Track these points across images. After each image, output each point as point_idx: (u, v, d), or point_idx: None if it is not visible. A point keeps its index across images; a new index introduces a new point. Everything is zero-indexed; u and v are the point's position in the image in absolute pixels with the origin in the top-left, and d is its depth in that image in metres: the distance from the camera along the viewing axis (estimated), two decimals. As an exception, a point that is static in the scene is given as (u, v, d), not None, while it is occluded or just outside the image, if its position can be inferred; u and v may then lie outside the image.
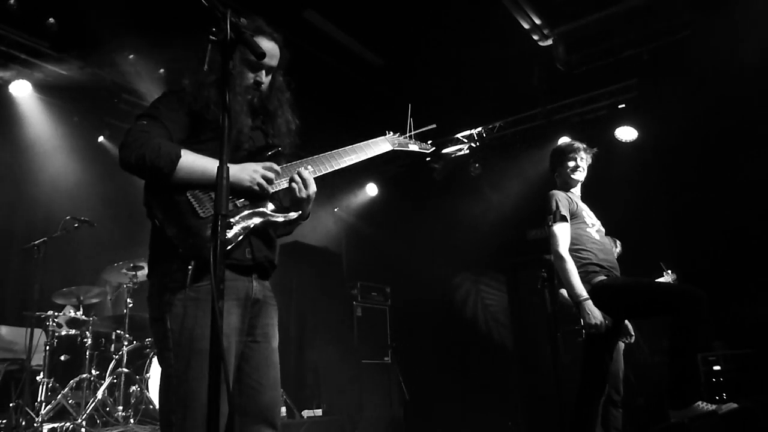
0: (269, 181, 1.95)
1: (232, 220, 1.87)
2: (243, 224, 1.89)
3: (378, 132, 2.37)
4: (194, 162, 1.86)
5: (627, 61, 6.56)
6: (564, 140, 3.84)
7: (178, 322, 1.79)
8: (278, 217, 2.00)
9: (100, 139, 6.49)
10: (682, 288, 3.15)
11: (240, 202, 1.93)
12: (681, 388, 2.99)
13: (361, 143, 2.24)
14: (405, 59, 6.43)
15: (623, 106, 6.98)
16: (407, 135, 2.43)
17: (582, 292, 3.25)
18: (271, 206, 2.00)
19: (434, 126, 2.50)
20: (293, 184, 2.01)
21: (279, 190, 2.02)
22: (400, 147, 2.39)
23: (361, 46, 6.30)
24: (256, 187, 1.93)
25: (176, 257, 1.81)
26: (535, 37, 6.31)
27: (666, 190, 6.49)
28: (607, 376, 3.40)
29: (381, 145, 2.31)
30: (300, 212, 2.04)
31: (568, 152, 3.71)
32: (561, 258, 3.34)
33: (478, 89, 6.80)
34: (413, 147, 2.44)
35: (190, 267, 1.78)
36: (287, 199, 2.09)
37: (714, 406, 2.87)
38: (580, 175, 3.70)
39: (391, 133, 2.40)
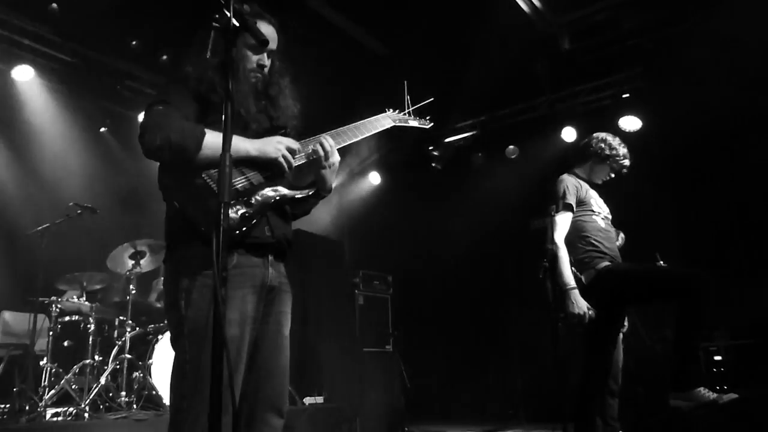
0: (293, 154, 1.99)
1: (250, 198, 1.88)
2: (262, 201, 1.90)
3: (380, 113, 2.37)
4: (218, 139, 1.87)
5: (631, 50, 6.51)
6: (610, 136, 3.79)
7: (193, 309, 1.79)
8: (295, 193, 2.01)
9: (102, 130, 6.49)
10: (689, 271, 3.15)
11: (256, 180, 1.93)
12: (685, 371, 3.00)
13: (363, 121, 2.25)
14: (408, 48, 6.39)
15: (627, 95, 6.94)
16: (406, 111, 2.44)
17: (570, 281, 3.27)
18: (285, 184, 2.01)
19: (432, 99, 2.51)
20: (320, 152, 2.04)
21: (299, 164, 2.05)
22: (400, 123, 2.40)
23: (365, 33, 6.27)
24: (281, 159, 1.96)
25: (194, 241, 1.80)
26: (540, 26, 6.27)
27: (670, 180, 6.48)
28: (611, 366, 3.40)
29: (382, 122, 2.32)
30: (315, 189, 2.09)
31: (621, 154, 3.68)
32: (555, 245, 3.36)
33: (482, 78, 6.76)
34: (413, 123, 2.46)
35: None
36: (303, 177, 2.11)
37: (715, 395, 2.87)
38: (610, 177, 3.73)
39: (391, 110, 2.41)
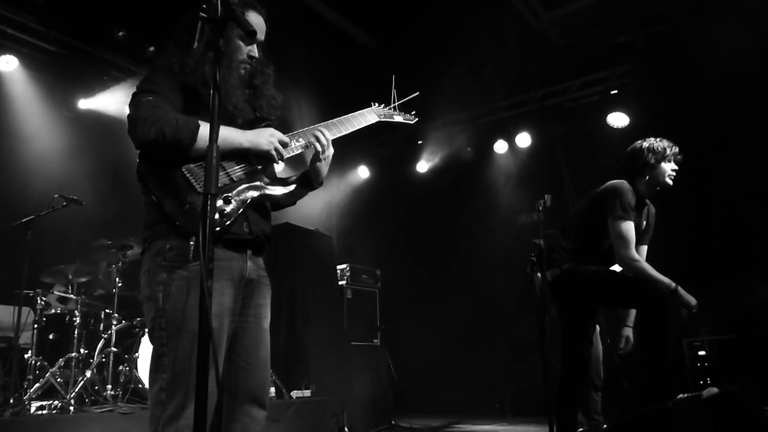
0: (284, 146, 1.99)
1: (230, 194, 1.87)
2: (241, 198, 1.90)
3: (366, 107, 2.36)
4: None
5: (621, 47, 6.55)
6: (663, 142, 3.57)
7: (170, 301, 1.78)
8: (275, 189, 2.00)
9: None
10: (649, 286, 3.09)
11: (236, 176, 1.93)
12: (656, 388, 2.94)
13: (348, 115, 2.23)
14: (397, 41, 6.38)
15: (616, 92, 6.98)
16: (392, 106, 2.43)
17: (669, 282, 3.11)
18: (265, 179, 2.00)
19: (417, 94, 2.48)
20: (316, 144, 2.06)
21: (290, 156, 2.06)
22: (385, 118, 2.39)
23: (354, 26, 6.25)
24: (273, 152, 1.96)
25: (172, 235, 1.80)
26: (530, 21, 6.28)
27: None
28: (589, 363, 3.42)
29: (368, 117, 2.31)
30: (303, 182, 2.12)
31: (675, 155, 3.46)
32: (635, 260, 3.17)
33: (471, 73, 6.77)
34: (398, 118, 2.43)
35: (191, 242, 1.77)
36: (290, 170, 2.11)
37: (696, 394, 2.89)
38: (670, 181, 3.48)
39: (376, 104, 2.39)
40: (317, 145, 2.07)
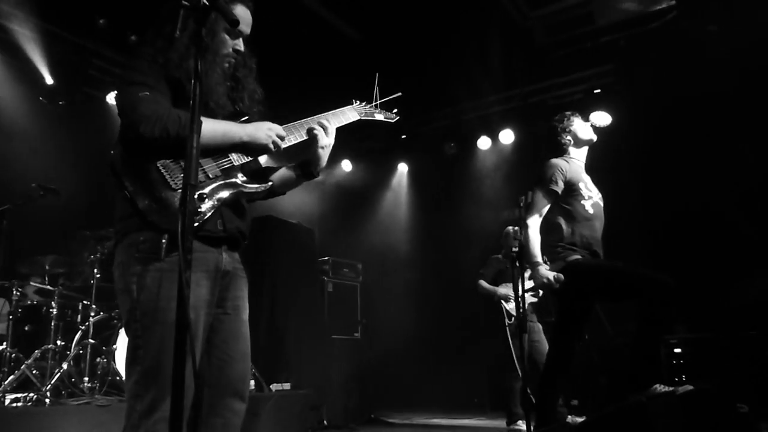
0: (282, 139, 1.99)
1: (205, 191, 1.85)
2: (216, 196, 1.88)
3: (348, 104, 2.34)
4: (215, 127, 1.85)
5: (605, 46, 6.60)
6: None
7: (145, 293, 1.77)
8: (251, 187, 1.99)
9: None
10: (653, 274, 3.16)
11: (212, 173, 1.91)
12: (641, 372, 3.03)
13: (329, 112, 2.21)
14: (381, 35, 6.36)
15: (599, 90, 7.04)
16: (373, 104, 2.42)
17: (536, 258, 3.33)
18: (242, 177, 1.98)
19: (400, 94, 2.48)
20: (316, 132, 2.10)
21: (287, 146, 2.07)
22: (366, 116, 2.38)
23: (338, 19, 6.21)
24: (271, 145, 1.96)
25: (146, 228, 1.78)
26: (516, 19, 6.30)
27: (637, 176, 6.60)
28: (573, 359, 3.46)
29: (348, 114, 2.29)
30: (297, 174, 2.18)
31: (576, 114, 3.73)
32: (526, 226, 3.40)
33: (455, 69, 6.78)
34: (379, 116, 2.43)
35: (164, 240, 1.76)
36: (273, 162, 2.10)
37: (671, 389, 2.94)
38: (590, 133, 3.66)
39: (358, 102, 2.38)
40: (316, 132, 2.10)
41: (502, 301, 5.57)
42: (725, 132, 5.96)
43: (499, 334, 5.52)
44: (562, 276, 3.23)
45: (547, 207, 3.46)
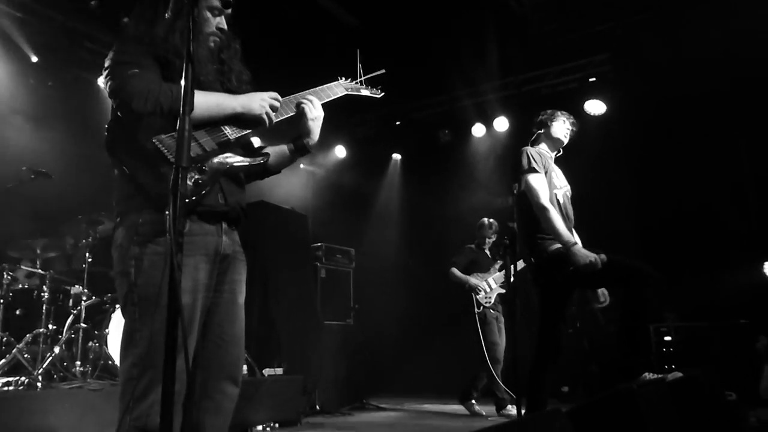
0: (274, 110, 2.01)
1: (203, 165, 1.84)
2: (215, 168, 1.87)
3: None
4: (207, 99, 1.87)
5: (600, 35, 6.58)
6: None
7: (143, 276, 1.76)
8: (248, 160, 1.99)
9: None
10: (637, 264, 3.18)
11: (209, 146, 1.90)
12: (630, 361, 3.06)
13: (317, 88, 2.24)
14: (378, 22, 6.31)
15: (594, 80, 7.04)
16: (358, 81, 2.45)
17: (570, 238, 3.24)
18: (239, 150, 1.98)
19: (383, 71, 2.50)
20: (304, 105, 2.11)
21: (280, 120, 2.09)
22: (352, 92, 2.41)
23: (337, 6, 6.17)
24: (265, 116, 1.97)
25: (146, 209, 1.77)
26: (511, 6, 6.27)
27: (629, 165, 6.62)
28: (561, 343, 3.48)
29: (335, 89, 2.31)
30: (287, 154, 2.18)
31: (564, 114, 3.74)
32: (545, 208, 3.31)
33: (451, 57, 6.75)
34: (365, 92, 2.47)
35: (167, 213, 1.75)
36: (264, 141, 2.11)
37: (661, 376, 2.97)
38: (564, 135, 3.70)
39: (343, 78, 2.40)
40: (304, 107, 2.11)
41: (473, 292, 5.83)
42: (721, 123, 5.98)
43: (470, 321, 5.78)
44: (605, 256, 3.18)
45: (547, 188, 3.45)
